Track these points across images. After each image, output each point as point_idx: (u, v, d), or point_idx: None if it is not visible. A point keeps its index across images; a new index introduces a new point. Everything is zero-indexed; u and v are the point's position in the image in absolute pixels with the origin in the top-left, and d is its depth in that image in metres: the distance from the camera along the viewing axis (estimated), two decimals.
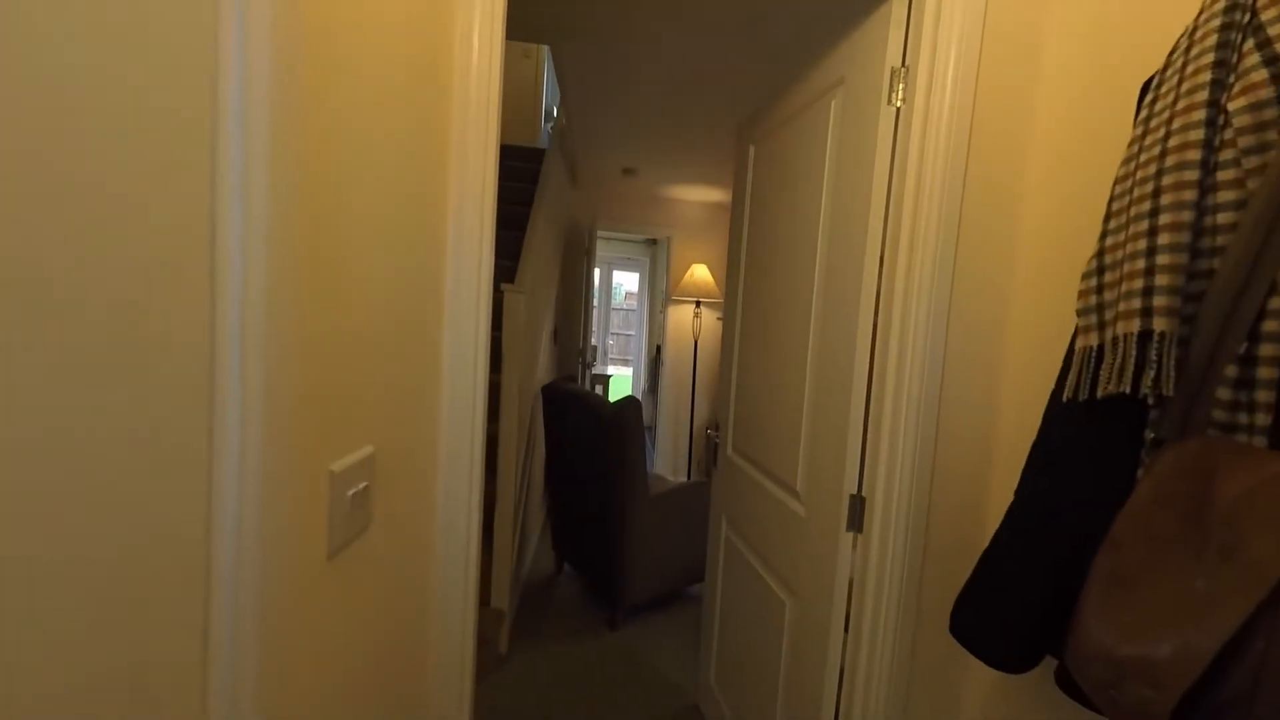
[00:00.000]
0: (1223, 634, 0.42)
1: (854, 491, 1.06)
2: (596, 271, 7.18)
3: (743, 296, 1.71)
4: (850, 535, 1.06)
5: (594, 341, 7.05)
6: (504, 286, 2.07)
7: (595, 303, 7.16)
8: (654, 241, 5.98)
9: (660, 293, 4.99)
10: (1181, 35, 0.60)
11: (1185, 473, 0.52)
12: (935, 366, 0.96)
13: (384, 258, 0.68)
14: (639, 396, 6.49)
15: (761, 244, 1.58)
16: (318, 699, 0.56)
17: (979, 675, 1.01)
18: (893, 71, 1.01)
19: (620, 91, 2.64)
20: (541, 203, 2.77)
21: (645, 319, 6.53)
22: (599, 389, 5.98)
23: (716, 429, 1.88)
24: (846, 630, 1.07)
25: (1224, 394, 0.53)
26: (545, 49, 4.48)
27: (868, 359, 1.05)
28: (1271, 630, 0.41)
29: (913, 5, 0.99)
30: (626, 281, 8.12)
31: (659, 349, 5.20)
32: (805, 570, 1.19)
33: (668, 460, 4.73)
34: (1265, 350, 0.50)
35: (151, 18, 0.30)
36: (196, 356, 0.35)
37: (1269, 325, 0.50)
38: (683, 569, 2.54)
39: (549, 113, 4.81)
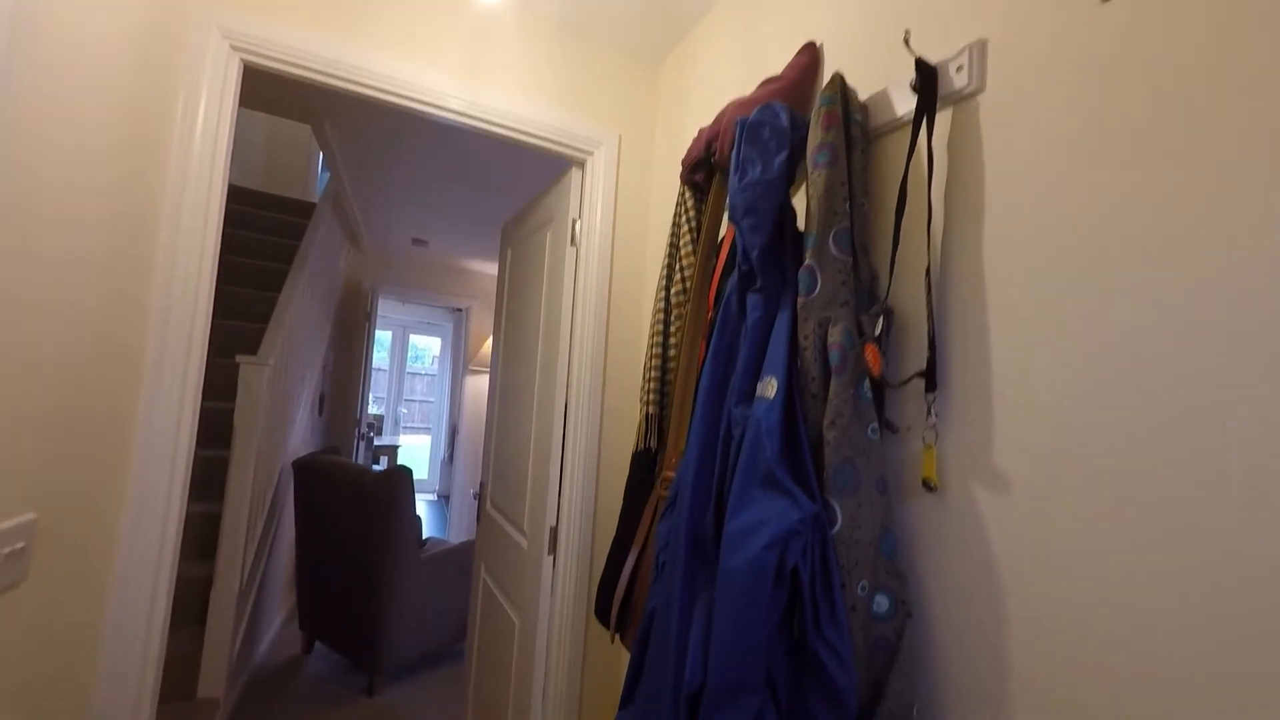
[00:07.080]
0: (629, 568, 0.85)
1: (553, 524, 1.43)
2: (390, 334, 6.91)
3: (501, 375, 2.05)
4: (550, 557, 1.42)
5: (381, 410, 6.66)
6: (240, 359, 1.91)
7: (386, 368, 6.81)
8: (459, 309, 6.10)
9: (463, 361, 5.12)
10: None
11: (652, 488, 0.98)
12: (594, 437, 1.40)
13: (64, 341, 0.76)
14: (439, 465, 6.29)
15: (512, 332, 1.96)
16: None
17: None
18: (573, 221, 1.49)
19: (396, 171, 2.64)
20: (304, 264, 2.52)
21: (448, 386, 6.50)
22: (384, 460, 5.63)
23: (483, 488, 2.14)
24: (550, 627, 1.41)
25: (679, 445, 1.01)
26: None
27: (562, 429, 1.46)
28: (637, 564, 0.85)
29: (584, 173, 1.49)
30: (431, 346, 7.94)
31: (455, 419, 5.24)
32: (526, 590, 1.50)
33: (461, 527, 4.73)
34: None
35: None
36: None
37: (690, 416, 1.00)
38: (457, 624, 2.64)
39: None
